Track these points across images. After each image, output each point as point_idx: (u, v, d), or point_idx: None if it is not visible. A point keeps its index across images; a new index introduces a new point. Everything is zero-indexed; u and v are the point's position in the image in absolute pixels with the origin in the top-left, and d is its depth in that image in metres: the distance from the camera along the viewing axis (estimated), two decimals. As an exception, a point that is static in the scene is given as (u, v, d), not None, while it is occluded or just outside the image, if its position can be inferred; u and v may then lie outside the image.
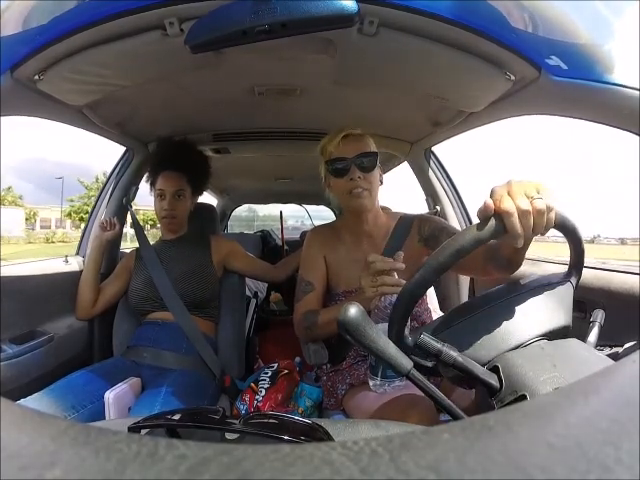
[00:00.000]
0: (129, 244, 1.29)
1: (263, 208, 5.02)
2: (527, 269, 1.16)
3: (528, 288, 0.54)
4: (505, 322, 0.50)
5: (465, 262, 0.85)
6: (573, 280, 0.57)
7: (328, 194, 1.01)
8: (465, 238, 0.46)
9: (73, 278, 1.20)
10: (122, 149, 1.37)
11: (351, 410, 0.90)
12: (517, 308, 0.51)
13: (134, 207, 1.39)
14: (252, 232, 3.36)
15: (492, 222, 0.46)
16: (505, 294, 0.54)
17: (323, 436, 0.38)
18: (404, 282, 0.67)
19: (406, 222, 1.00)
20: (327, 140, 0.94)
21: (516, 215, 0.45)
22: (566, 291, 0.55)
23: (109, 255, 1.32)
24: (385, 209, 1.07)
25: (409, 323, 0.52)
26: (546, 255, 1.27)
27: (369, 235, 0.99)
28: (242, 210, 3.74)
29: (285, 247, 2.42)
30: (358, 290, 0.78)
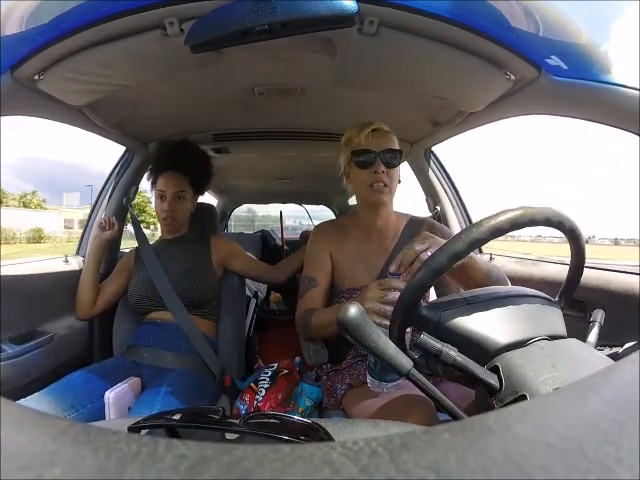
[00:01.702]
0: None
1: (262, 208, 5.02)
2: (528, 269, 1.16)
3: (528, 294, 0.55)
4: (507, 316, 0.50)
5: (467, 278, 0.85)
6: (561, 305, 0.58)
7: (345, 185, 1.02)
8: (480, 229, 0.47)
9: (73, 278, 1.20)
10: (120, 148, 1.37)
11: (350, 410, 0.90)
12: (518, 307, 0.51)
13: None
14: (252, 232, 3.36)
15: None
16: (509, 292, 0.54)
17: (323, 436, 0.38)
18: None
19: (415, 224, 1.00)
20: (355, 131, 0.94)
21: None
22: (558, 311, 0.56)
23: (109, 255, 1.32)
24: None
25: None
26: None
27: (379, 233, 0.99)
28: (241, 210, 3.74)
29: (285, 247, 2.42)
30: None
